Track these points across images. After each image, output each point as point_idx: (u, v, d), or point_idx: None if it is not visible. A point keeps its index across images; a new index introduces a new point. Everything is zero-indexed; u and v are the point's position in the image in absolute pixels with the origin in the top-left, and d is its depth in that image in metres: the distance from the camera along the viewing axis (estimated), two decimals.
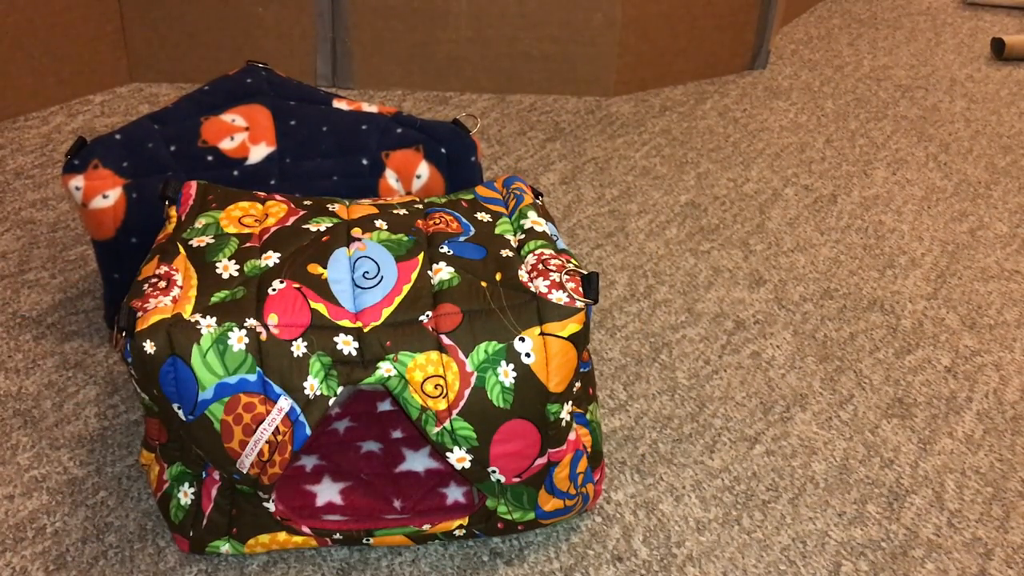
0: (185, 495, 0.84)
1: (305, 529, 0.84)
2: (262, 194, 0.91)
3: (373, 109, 1.10)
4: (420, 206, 0.91)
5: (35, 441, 0.97)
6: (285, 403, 0.76)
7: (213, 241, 0.83)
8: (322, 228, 0.85)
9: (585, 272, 0.81)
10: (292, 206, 0.89)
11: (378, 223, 0.86)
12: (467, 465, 0.80)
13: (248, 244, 0.83)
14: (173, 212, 0.89)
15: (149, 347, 0.74)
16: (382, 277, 0.80)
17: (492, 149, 1.58)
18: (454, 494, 0.89)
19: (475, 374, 0.77)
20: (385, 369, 0.77)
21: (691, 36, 1.82)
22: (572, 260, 0.83)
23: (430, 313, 0.78)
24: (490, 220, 0.89)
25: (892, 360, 1.15)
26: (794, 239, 1.38)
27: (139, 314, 0.76)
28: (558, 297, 0.79)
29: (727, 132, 1.69)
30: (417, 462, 0.93)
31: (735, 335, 1.18)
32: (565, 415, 0.81)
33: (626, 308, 1.22)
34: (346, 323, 0.77)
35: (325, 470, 0.91)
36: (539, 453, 0.81)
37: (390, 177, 1.06)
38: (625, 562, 0.87)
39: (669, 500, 0.94)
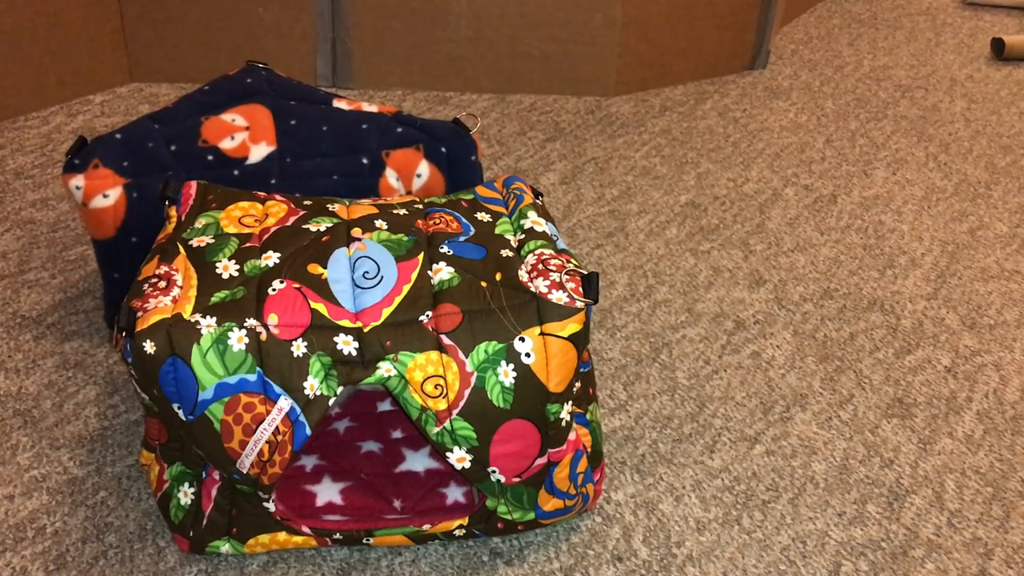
0: (185, 495, 0.84)
1: (305, 529, 0.84)
2: (262, 194, 0.91)
3: (373, 109, 1.10)
4: (420, 206, 0.91)
5: (35, 441, 0.97)
6: (285, 403, 0.76)
7: (213, 241, 0.83)
8: (322, 228, 0.85)
9: (585, 272, 0.81)
10: (292, 206, 0.89)
11: (378, 223, 0.86)
12: (467, 465, 0.80)
13: (248, 244, 0.83)
14: (173, 212, 0.89)
15: (149, 347, 0.74)
16: (382, 277, 0.80)
17: (492, 149, 1.58)
18: (454, 494, 0.89)
19: (475, 374, 0.77)
20: (385, 369, 0.77)
21: (691, 36, 1.82)
22: (572, 260, 0.83)
23: (430, 313, 0.78)
24: (490, 220, 0.89)
25: (892, 360, 1.15)
26: (794, 239, 1.38)
27: (139, 314, 0.76)
28: (558, 297, 0.79)
29: (727, 132, 1.69)
30: (417, 462, 0.93)
31: (735, 335, 1.18)
32: (565, 415, 0.81)
33: (626, 308, 1.22)
34: (346, 323, 0.77)
35: (325, 470, 0.91)
36: (539, 453, 0.81)
37: (390, 176, 1.06)
38: (625, 562, 0.87)
39: (669, 500, 0.94)
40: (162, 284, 0.78)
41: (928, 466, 1.00)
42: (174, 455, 0.84)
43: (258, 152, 1.05)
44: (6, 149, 1.50)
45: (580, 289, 0.80)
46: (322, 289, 0.79)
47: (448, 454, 0.79)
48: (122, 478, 0.94)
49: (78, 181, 1.01)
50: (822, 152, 1.64)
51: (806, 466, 0.99)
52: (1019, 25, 2.29)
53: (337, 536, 0.84)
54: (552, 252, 0.83)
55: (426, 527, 0.85)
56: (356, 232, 0.84)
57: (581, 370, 0.86)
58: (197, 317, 0.76)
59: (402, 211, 0.89)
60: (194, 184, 0.91)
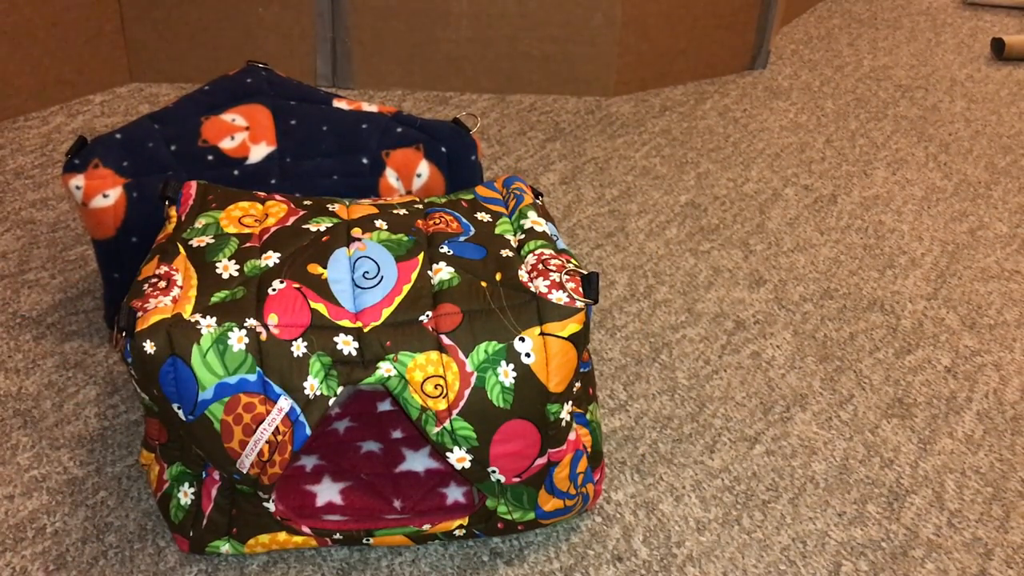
0: (185, 495, 0.84)
1: (305, 529, 0.84)
2: (262, 194, 0.91)
3: (373, 109, 1.10)
4: (420, 206, 0.91)
5: (35, 441, 0.97)
6: (285, 403, 0.76)
7: (213, 241, 0.83)
8: (322, 228, 0.85)
9: (585, 272, 0.81)
10: (292, 206, 0.89)
11: (378, 223, 0.86)
12: (467, 465, 0.80)
13: (248, 244, 0.83)
14: (173, 212, 0.89)
15: (149, 347, 0.74)
16: (382, 277, 0.80)
17: (492, 149, 1.58)
18: (454, 494, 0.89)
19: (475, 374, 0.77)
20: (385, 369, 0.77)
21: (691, 36, 1.82)
22: (572, 260, 0.83)
23: (430, 313, 0.78)
24: (490, 220, 0.89)
25: (892, 360, 1.15)
26: (794, 239, 1.38)
27: (139, 314, 0.76)
28: (558, 297, 0.79)
29: (727, 132, 1.69)
30: (417, 462, 0.93)
31: (735, 335, 1.18)
32: (565, 415, 0.81)
33: (626, 308, 1.22)
34: (346, 323, 0.77)
35: (325, 470, 0.91)
36: (539, 453, 0.81)
37: (390, 176, 1.06)
38: (625, 562, 0.87)
39: (669, 500, 0.94)
40: (162, 284, 0.78)
41: (928, 466, 1.00)
42: (174, 455, 0.84)
43: (258, 152, 1.05)
44: (6, 149, 1.50)
45: (580, 289, 0.80)
46: (322, 289, 0.79)
47: (448, 454, 0.79)
48: (122, 478, 0.94)
49: (78, 181, 1.01)
50: (822, 152, 1.64)
51: (806, 466, 0.99)
52: (1019, 25, 2.29)
53: (337, 536, 0.84)
54: (552, 252, 0.83)
55: (426, 527, 0.85)
56: (356, 232, 0.84)
57: (581, 370, 0.86)
58: (197, 317, 0.76)
59: (402, 211, 0.89)
60: (194, 184, 0.91)
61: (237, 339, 0.75)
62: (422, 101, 1.72)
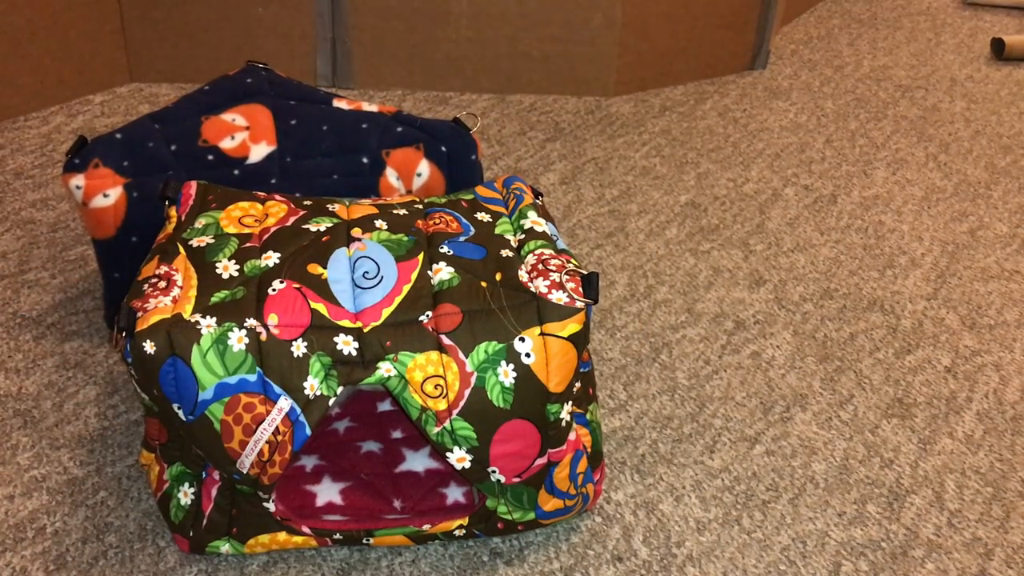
0: (185, 495, 0.84)
1: (305, 529, 0.84)
2: (262, 194, 0.91)
3: (373, 108, 1.10)
4: (420, 206, 0.91)
5: (35, 441, 0.97)
6: (285, 403, 0.76)
7: (213, 241, 0.83)
8: (322, 228, 0.85)
9: (585, 272, 0.81)
10: (292, 206, 0.89)
11: (378, 223, 0.86)
12: (467, 465, 0.80)
13: (248, 244, 0.83)
14: (173, 212, 0.89)
15: (149, 347, 0.74)
16: (382, 277, 0.80)
17: (492, 149, 1.58)
18: (454, 494, 0.89)
19: (475, 374, 0.77)
20: (385, 369, 0.77)
21: (691, 36, 1.82)
22: (572, 260, 0.83)
23: (430, 313, 0.78)
24: (490, 220, 0.89)
25: (892, 360, 1.15)
26: (794, 239, 1.38)
27: (139, 314, 0.76)
28: (558, 297, 0.79)
29: (727, 132, 1.69)
30: (417, 462, 0.93)
31: (735, 335, 1.18)
32: (565, 415, 0.81)
33: (626, 308, 1.22)
34: (346, 323, 0.77)
35: (325, 470, 0.91)
36: (539, 453, 0.81)
37: (391, 175, 1.06)
38: (625, 562, 0.87)
39: (669, 500, 0.94)
40: (162, 284, 0.78)
41: (928, 466, 1.00)
42: (174, 455, 0.84)
43: (258, 152, 1.05)
44: (6, 149, 1.50)
45: (580, 289, 0.80)
46: (322, 289, 0.79)
47: (448, 454, 0.79)
48: (122, 478, 0.94)
49: (78, 181, 1.01)
50: (822, 152, 1.64)
51: (806, 466, 0.99)
52: (1019, 25, 2.29)
53: (337, 536, 0.84)
54: (552, 252, 0.83)
55: (426, 527, 0.84)
56: (356, 232, 0.84)
57: (581, 370, 0.86)
58: (197, 317, 0.76)
59: (402, 211, 0.89)
60: (194, 184, 0.91)
61: (237, 339, 0.75)
62: (422, 101, 1.72)
